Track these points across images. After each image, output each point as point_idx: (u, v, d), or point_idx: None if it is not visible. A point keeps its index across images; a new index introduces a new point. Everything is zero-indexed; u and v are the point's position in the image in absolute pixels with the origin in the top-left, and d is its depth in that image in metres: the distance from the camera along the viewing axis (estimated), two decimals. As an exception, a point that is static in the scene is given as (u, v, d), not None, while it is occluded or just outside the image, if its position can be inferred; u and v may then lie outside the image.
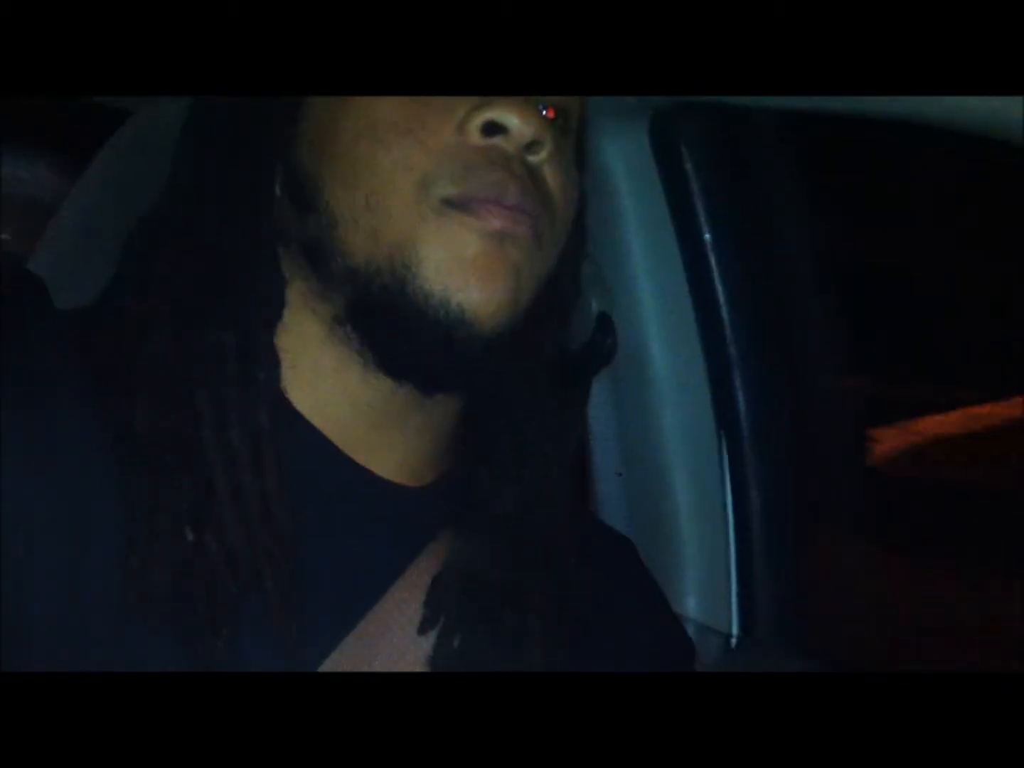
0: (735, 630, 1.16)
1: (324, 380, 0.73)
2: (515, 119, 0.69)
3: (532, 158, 0.71)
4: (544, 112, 0.73)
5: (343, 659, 0.71)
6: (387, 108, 0.69)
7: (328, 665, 0.70)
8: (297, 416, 0.73)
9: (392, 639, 0.72)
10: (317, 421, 0.73)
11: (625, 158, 1.17)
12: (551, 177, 0.72)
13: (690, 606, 1.16)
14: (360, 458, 0.74)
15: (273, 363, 0.71)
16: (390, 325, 0.70)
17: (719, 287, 1.20)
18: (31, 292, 0.80)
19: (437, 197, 0.68)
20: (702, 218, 1.20)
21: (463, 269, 0.68)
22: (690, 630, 1.13)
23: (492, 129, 0.69)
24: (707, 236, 1.20)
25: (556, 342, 0.81)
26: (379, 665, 0.71)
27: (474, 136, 0.69)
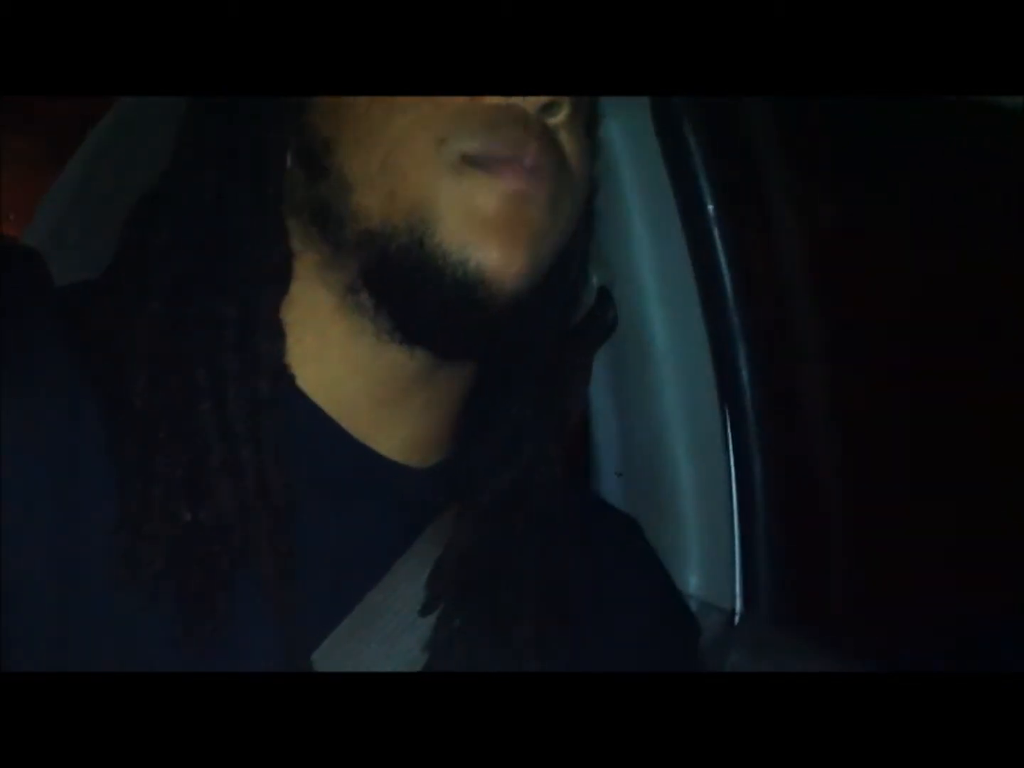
0: (738, 607, 1.16)
1: (332, 353, 0.72)
2: None
3: (550, 120, 0.70)
4: None
5: (341, 639, 0.70)
6: None
7: (325, 645, 0.70)
8: (300, 394, 0.72)
9: (391, 619, 0.72)
10: (322, 397, 0.72)
11: (627, 130, 1.16)
12: (567, 142, 0.71)
13: (692, 583, 1.16)
14: (365, 436, 0.73)
15: (278, 337, 0.70)
16: (408, 286, 0.69)
17: (721, 260, 1.19)
18: (29, 266, 0.79)
19: (457, 153, 0.67)
20: (704, 190, 1.19)
21: (482, 229, 0.67)
22: (693, 607, 1.13)
23: None
24: (709, 208, 1.19)
25: (563, 319, 0.81)
26: (377, 646, 0.71)
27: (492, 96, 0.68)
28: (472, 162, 0.67)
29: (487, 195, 0.67)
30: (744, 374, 1.20)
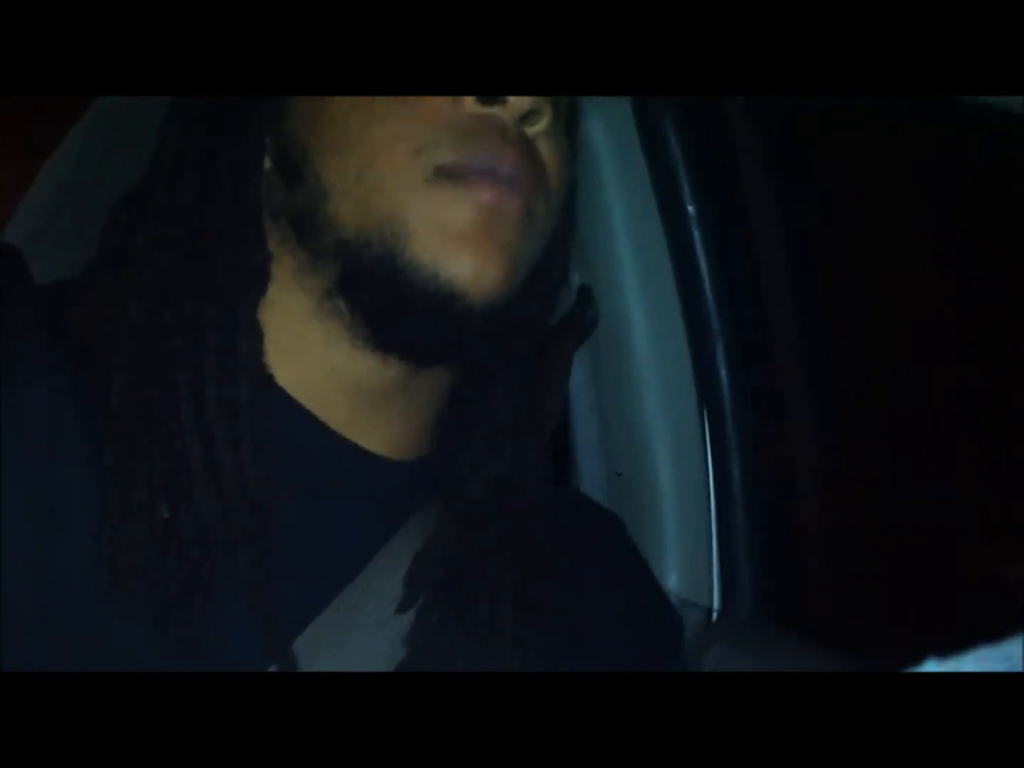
0: (716, 604, 1.17)
1: (310, 356, 0.72)
2: None
3: (528, 129, 0.70)
4: None
5: (319, 633, 0.71)
6: None
7: (304, 639, 0.70)
8: (280, 392, 0.72)
9: (370, 614, 0.72)
10: (301, 398, 0.72)
11: (609, 131, 1.16)
12: (546, 150, 0.72)
13: (671, 581, 1.16)
14: (345, 433, 0.73)
15: (256, 338, 0.71)
16: (381, 297, 0.69)
17: (701, 261, 1.20)
18: (8, 264, 0.79)
19: (431, 165, 0.68)
20: (685, 192, 1.19)
21: (453, 243, 0.67)
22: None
23: (488, 98, 0.69)
24: (690, 209, 1.19)
25: (543, 321, 0.81)
26: (355, 640, 0.71)
27: (470, 105, 0.69)
28: (445, 175, 0.68)
29: (459, 208, 0.68)
30: (723, 374, 1.20)
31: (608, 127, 1.16)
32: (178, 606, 0.66)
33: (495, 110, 0.69)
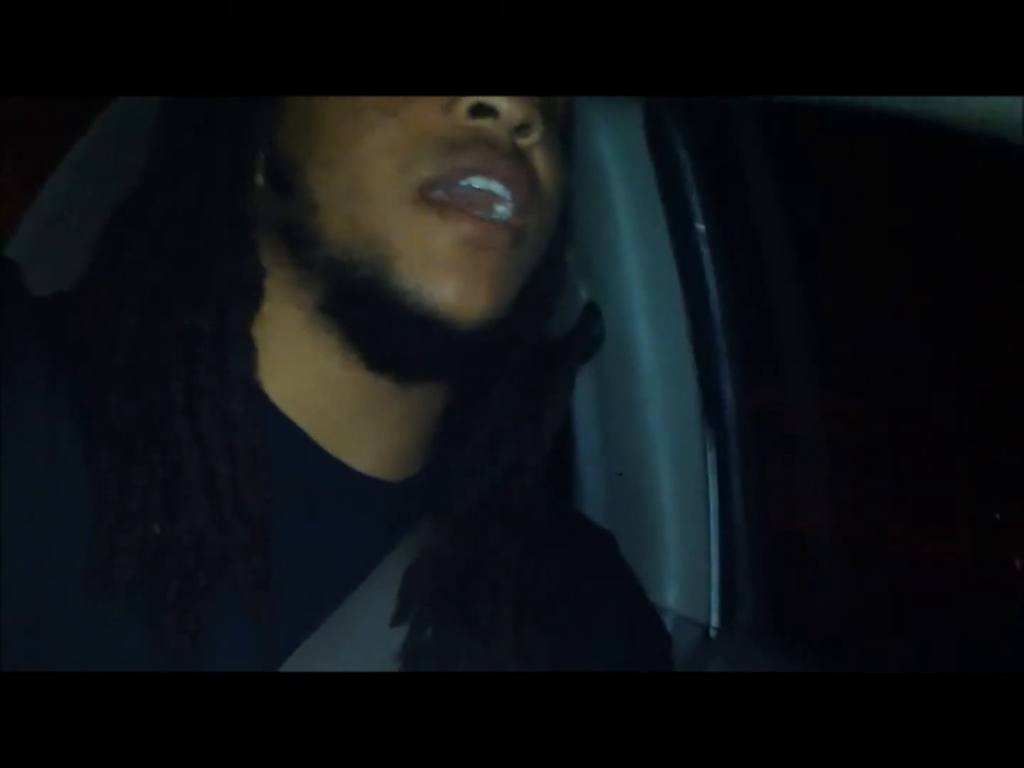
0: (714, 622, 1.16)
1: (303, 370, 0.72)
2: (504, 101, 0.68)
3: (521, 141, 0.70)
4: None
5: (312, 651, 0.70)
6: None
7: (296, 657, 0.70)
8: (272, 408, 0.72)
9: (363, 631, 0.72)
10: (294, 412, 0.72)
11: (618, 146, 1.16)
12: (540, 161, 0.71)
13: (670, 597, 1.16)
14: (337, 450, 0.73)
15: (248, 352, 0.70)
16: (369, 316, 0.69)
17: (709, 278, 1.20)
18: (5, 277, 0.79)
19: (418, 180, 0.67)
20: (695, 208, 1.19)
21: (437, 268, 0.67)
22: (669, 622, 1.13)
23: (480, 111, 0.68)
24: (699, 227, 1.19)
25: (539, 331, 0.80)
26: (348, 657, 0.71)
27: (462, 118, 0.68)
28: (430, 201, 0.67)
29: (442, 239, 0.67)
30: (728, 392, 1.20)
31: (617, 142, 1.16)
32: (172, 615, 0.65)
33: (487, 123, 0.68)
